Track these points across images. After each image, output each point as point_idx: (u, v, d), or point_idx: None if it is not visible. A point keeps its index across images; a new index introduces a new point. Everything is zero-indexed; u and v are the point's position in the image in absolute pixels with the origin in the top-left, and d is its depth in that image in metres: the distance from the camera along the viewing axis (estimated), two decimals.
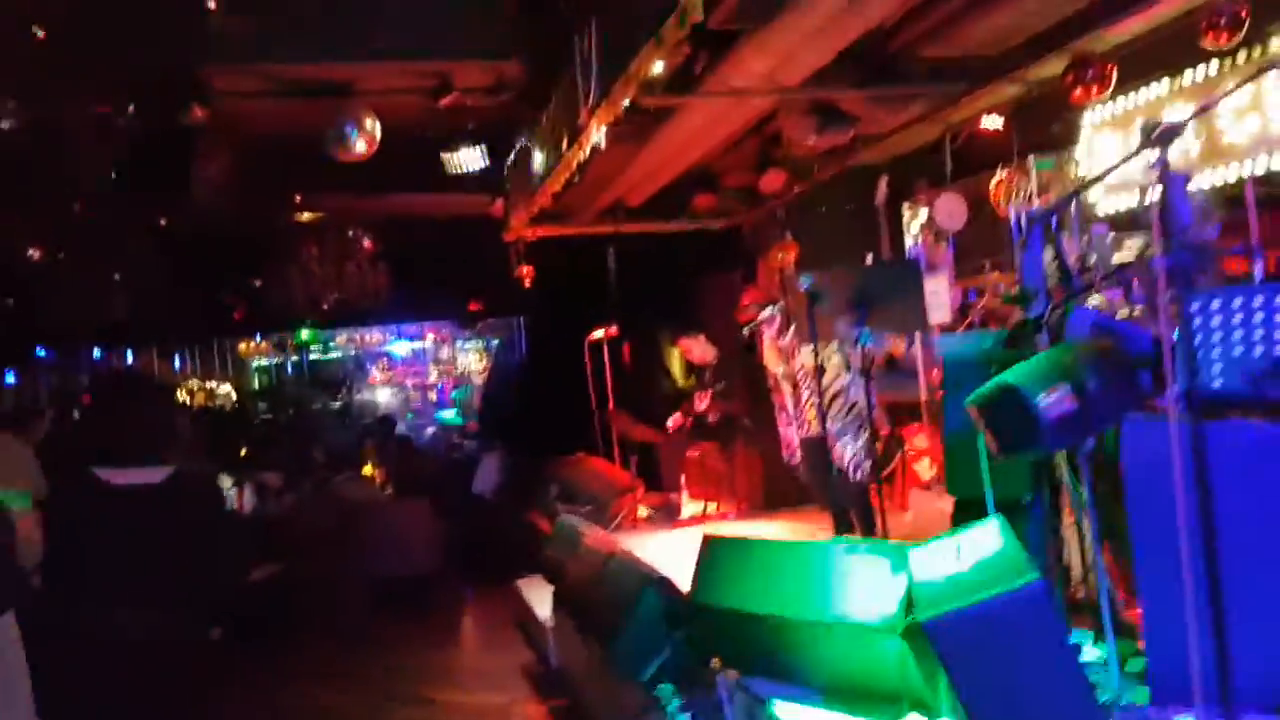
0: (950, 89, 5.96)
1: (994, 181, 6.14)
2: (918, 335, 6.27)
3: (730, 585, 3.61)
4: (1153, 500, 2.88)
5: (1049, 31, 5.39)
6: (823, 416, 4.56)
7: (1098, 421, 2.96)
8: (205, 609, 3.43)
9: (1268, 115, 4.76)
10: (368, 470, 9.90)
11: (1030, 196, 5.92)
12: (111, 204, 7.75)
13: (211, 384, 14.73)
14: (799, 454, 5.51)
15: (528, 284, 10.50)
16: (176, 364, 14.73)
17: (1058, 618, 2.50)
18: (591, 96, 5.43)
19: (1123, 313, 3.93)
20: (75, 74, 5.88)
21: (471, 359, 16.85)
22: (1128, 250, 4.62)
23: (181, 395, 13.52)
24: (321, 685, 6.10)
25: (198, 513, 3.57)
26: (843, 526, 5.22)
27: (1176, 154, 2.47)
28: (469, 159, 8.07)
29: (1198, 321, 2.86)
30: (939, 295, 6.17)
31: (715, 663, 3.44)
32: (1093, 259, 4.37)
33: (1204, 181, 4.98)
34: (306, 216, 11.29)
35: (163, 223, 8.89)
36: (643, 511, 7.79)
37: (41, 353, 13.13)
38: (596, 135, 5.65)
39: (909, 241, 7.01)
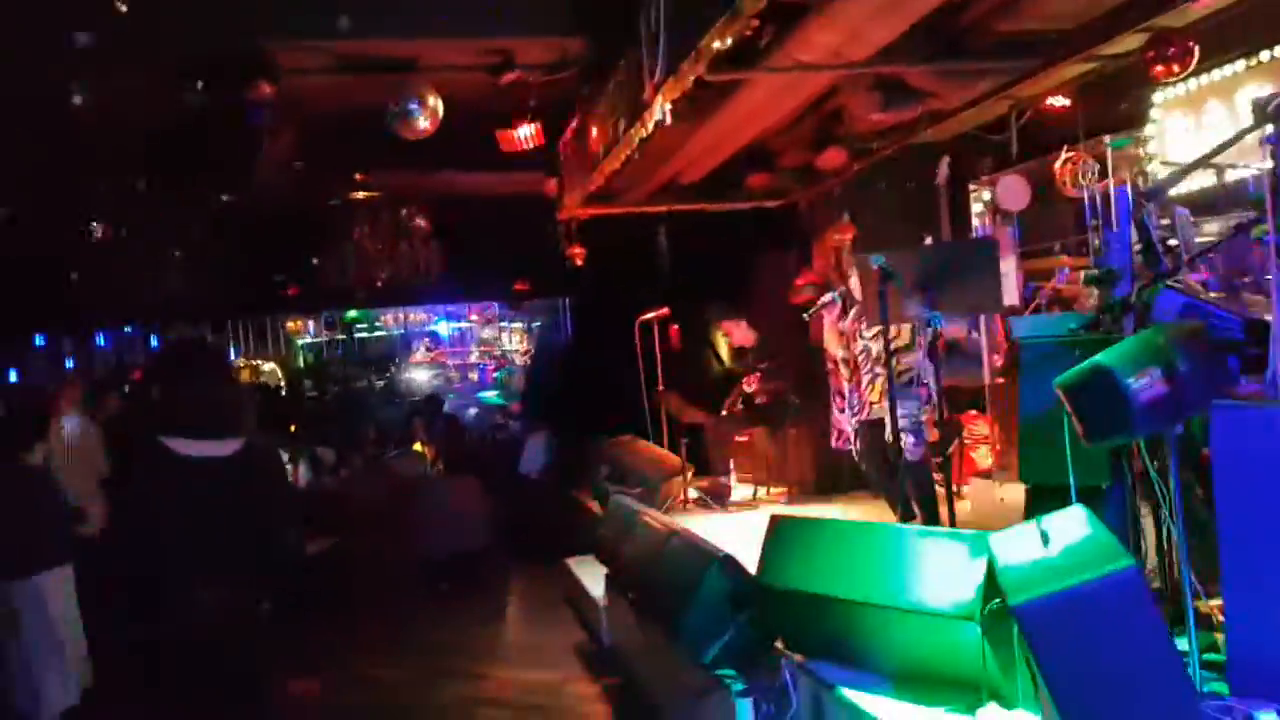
0: (1023, 65, 5.78)
1: (1060, 161, 5.96)
2: (981, 319, 6.13)
3: (798, 566, 3.55)
4: (1242, 488, 2.81)
5: (1128, 5, 5.19)
6: (890, 398, 4.47)
7: (1187, 407, 2.86)
8: (267, 581, 3.46)
9: None
10: (417, 447, 9.98)
11: (1096, 177, 5.73)
12: (175, 182, 7.84)
13: (256, 361, 14.93)
14: (855, 437, 5.44)
15: (579, 263, 10.46)
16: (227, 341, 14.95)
17: (1154, 605, 2.40)
18: (658, 72, 5.35)
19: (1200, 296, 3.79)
20: (143, 49, 5.93)
21: (514, 339, 16.89)
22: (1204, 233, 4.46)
23: None
24: (372, 659, 6.17)
25: (264, 485, 3.60)
26: (906, 513, 5.14)
27: None
28: (524, 136, 8.03)
29: None
30: (1008, 278, 6.02)
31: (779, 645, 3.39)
32: (1174, 241, 4.23)
33: None
34: (361, 195, 11.36)
35: (224, 199, 8.98)
36: (691, 494, 7.74)
37: (101, 341, 13.41)
38: (660, 112, 5.56)
39: (974, 223, 6.85)
